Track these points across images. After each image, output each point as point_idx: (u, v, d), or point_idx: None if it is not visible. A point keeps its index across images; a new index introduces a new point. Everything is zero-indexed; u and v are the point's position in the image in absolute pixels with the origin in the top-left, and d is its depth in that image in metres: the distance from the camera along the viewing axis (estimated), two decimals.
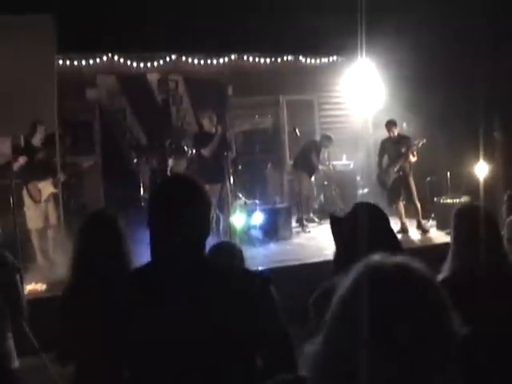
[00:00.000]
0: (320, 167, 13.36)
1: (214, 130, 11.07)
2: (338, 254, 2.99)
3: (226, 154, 11.04)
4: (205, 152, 10.91)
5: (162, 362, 2.27)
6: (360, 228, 2.69)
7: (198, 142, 11.48)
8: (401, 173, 11.68)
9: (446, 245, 3.69)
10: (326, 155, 13.48)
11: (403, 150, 11.62)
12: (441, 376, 1.27)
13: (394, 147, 11.76)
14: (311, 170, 13.22)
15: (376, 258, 1.39)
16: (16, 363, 4.46)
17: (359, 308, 1.29)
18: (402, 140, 11.78)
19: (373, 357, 1.25)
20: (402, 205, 11.72)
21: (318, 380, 1.36)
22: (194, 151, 11.74)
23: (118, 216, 3.71)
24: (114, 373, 2.40)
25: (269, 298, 2.46)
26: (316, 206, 13.84)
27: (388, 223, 3.05)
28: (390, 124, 11.81)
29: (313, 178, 13.56)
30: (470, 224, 3.28)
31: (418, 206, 11.68)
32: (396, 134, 11.79)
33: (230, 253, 3.70)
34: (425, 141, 11.62)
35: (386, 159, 11.97)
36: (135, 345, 2.30)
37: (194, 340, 2.24)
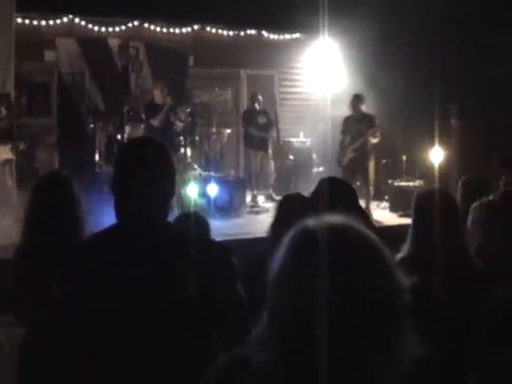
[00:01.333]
0: (270, 140, 13.30)
1: (163, 102, 11.26)
2: None
3: (174, 125, 11.38)
4: (154, 122, 11.11)
5: (116, 328, 2.25)
6: (327, 205, 2.65)
7: (147, 111, 11.61)
8: (360, 152, 10.97)
9: (401, 226, 3.72)
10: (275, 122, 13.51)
11: (365, 129, 10.89)
12: (395, 337, 1.26)
13: (356, 125, 11.04)
14: (261, 145, 13.04)
15: (310, 221, 1.36)
16: None
17: (299, 274, 1.27)
18: (365, 119, 11.06)
19: (314, 327, 1.22)
20: (356, 186, 11.29)
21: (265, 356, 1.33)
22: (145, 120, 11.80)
23: (73, 179, 3.65)
24: (69, 337, 2.38)
25: (229, 269, 2.46)
26: (272, 182, 13.81)
27: (356, 198, 3.04)
28: (357, 99, 11.14)
29: (270, 152, 13.47)
30: (430, 207, 3.28)
31: (371, 191, 11.20)
32: (363, 110, 11.11)
33: (195, 223, 3.69)
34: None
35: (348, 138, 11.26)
36: (91, 310, 2.27)
37: (151, 306, 2.22)
